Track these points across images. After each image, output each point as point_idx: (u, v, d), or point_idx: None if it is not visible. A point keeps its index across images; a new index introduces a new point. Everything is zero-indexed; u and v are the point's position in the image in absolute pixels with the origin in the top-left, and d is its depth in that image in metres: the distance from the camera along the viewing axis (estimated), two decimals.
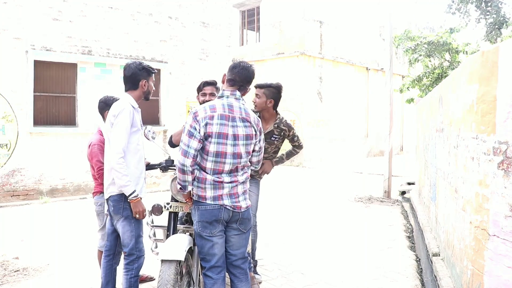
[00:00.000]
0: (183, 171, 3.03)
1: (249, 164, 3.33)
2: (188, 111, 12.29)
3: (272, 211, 8.43)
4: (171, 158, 4.06)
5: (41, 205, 9.03)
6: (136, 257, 3.55)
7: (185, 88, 12.26)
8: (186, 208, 3.58)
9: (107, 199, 3.57)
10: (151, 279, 4.69)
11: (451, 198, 4.73)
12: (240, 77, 3.24)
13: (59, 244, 6.11)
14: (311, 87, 18.63)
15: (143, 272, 4.76)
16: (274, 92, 4.43)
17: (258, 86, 4.42)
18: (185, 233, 3.57)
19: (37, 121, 9.70)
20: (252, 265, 4.43)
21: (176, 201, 3.67)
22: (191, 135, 3.03)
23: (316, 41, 18.82)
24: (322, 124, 19.12)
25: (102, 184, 3.94)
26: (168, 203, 3.68)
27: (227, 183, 3.12)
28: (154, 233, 3.88)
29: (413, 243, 6.49)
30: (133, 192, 3.39)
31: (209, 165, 3.09)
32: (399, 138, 24.65)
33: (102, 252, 3.93)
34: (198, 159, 3.10)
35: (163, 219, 4.06)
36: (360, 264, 5.37)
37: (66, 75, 10.16)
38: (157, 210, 3.69)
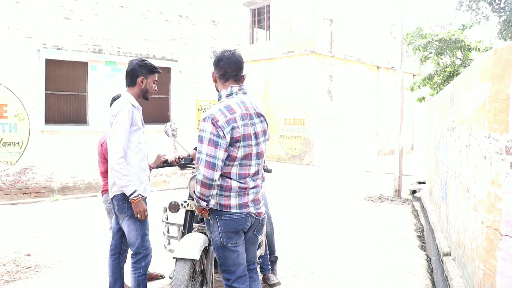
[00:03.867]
0: (210, 186, 2.76)
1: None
2: (198, 110, 12.32)
3: (281, 210, 8.42)
4: (190, 156, 4.03)
5: (52, 202, 9.11)
6: (143, 255, 3.55)
7: (195, 86, 12.28)
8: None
9: (112, 198, 3.58)
10: (161, 276, 4.71)
11: (462, 198, 4.69)
12: (231, 66, 3.01)
13: (71, 242, 6.16)
14: (321, 86, 18.57)
15: (153, 269, 4.79)
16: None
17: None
18: (200, 232, 3.56)
19: (49, 120, 9.77)
20: (269, 266, 4.40)
21: (193, 199, 3.63)
22: (216, 144, 2.75)
23: (327, 40, 18.75)
24: (332, 122, 19.05)
25: None
26: (185, 201, 3.68)
27: (251, 188, 2.96)
28: (168, 229, 3.90)
29: (423, 243, 6.46)
30: (134, 192, 3.39)
31: (234, 170, 2.88)
32: (410, 137, 24.49)
33: None
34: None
35: (177, 217, 4.06)
36: (370, 264, 5.34)
37: (77, 73, 10.22)
38: (173, 207, 3.69)
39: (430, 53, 11.86)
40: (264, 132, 3.07)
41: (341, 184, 12.31)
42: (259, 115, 3.05)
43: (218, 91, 3.09)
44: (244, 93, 3.05)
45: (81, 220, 7.49)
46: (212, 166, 2.74)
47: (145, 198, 3.61)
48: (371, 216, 8.07)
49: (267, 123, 3.14)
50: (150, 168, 4.18)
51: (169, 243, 3.85)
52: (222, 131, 2.78)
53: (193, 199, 3.63)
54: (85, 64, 10.25)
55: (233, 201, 2.89)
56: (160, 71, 3.77)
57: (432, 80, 12.94)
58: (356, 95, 20.39)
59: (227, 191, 2.88)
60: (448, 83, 10.53)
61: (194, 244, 3.14)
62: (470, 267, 4.04)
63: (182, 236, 3.67)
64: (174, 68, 11.81)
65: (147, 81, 3.63)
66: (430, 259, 5.71)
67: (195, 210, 3.57)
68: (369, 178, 13.63)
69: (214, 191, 2.83)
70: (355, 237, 6.56)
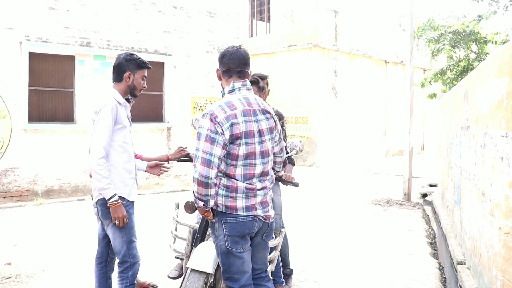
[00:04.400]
0: (206, 184, 2.79)
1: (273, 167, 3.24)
2: (194, 107, 12.28)
3: (284, 215, 8.38)
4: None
5: (36, 207, 9.07)
6: (130, 264, 3.53)
7: (190, 82, 12.24)
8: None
9: (96, 203, 3.55)
10: (153, 286, 4.65)
11: (477, 202, 4.68)
12: (234, 62, 3.05)
13: (55, 249, 6.11)
14: (325, 82, 18.54)
15: (145, 279, 4.74)
16: (268, 82, 4.77)
17: (262, 78, 4.66)
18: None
19: (32, 118, 9.73)
20: (282, 279, 4.37)
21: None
22: (213, 140, 2.79)
23: (331, 32, 18.73)
24: (337, 121, 19.03)
25: None
26: None
27: (259, 190, 2.97)
28: (176, 227, 3.91)
29: (435, 250, 6.45)
30: (113, 196, 3.35)
31: (238, 170, 2.90)
32: (420, 136, 24.48)
33: None
34: (222, 167, 2.90)
35: (188, 216, 4.03)
36: (378, 272, 5.32)
37: (63, 68, 10.18)
38: (190, 207, 3.69)
39: (444, 45, 11.80)
40: (271, 129, 3.07)
41: (346, 187, 12.29)
42: (264, 111, 3.05)
43: (222, 88, 3.15)
44: (248, 89, 3.07)
45: (67, 226, 7.44)
46: (207, 163, 2.76)
47: (132, 202, 3.59)
48: (379, 221, 8.05)
49: (275, 121, 3.14)
50: (167, 159, 4.25)
51: (174, 242, 3.87)
52: (221, 127, 2.81)
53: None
54: (72, 58, 10.21)
55: (240, 203, 2.90)
56: (150, 66, 3.73)
57: (444, 75, 12.90)
58: (362, 91, 20.37)
59: (233, 191, 2.90)
60: (462, 78, 10.48)
61: (210, 256, 3.13)
62: (487, 277, 4.02)
63: (192, 240, 3.70)
64: (168, 63, 11.77)
65: (134, 76, 3.59)
66: (443, 267, 5.69)
67: None
68: (377, 181, 13.62)
69: (212, 191, 2.84)
70: (361, 244, 6.53)
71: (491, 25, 13.23)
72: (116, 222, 3.41)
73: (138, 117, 10.09)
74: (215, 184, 2.85)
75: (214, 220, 2.98)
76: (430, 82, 13.42)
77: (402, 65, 21.92)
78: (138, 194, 3.79)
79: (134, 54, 3.63)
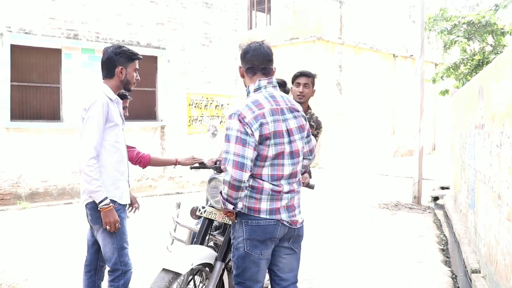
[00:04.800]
0: (238, 188, 2.83)
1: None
2: (189, 105, 12.26)
3: None
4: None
5: (19, 211, 9.03)
6: (121, 272, 3.51)
7: (185, 78, 12.22)
8: (219, 216, 3.57)
9: (85, 206, 3.52)
10: None
11: (493, 206, 4.68)
12: (258, 59, 3.08)
13: (40, 257, 6.07)
14: (329, 77, 18.52)
15: None
16: (315, 81, 4.70)
17: (305, 75, 4.63)
18: (215, 244, 3.63)
19: (15, 115, 9.70)
20: None
21: (212, 206, 3.68)
22: (244, 142, 2.82)
23: (336, 24, 18.70)
24: (342, 119, 19.01)
25: None
26: (203, 207, 3.71)
27: (286, 193, 2.99)
28: (175, 228, 3.92)
29: (448, 257, 6.44)
30: (104, 199, 3.33)
31: (265, 170, 2.94)
32: (431, 135, 24.47)
33: None
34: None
35: (188, 217, 4.04)
36: (385, 281, 5.30)
37: (49, 62, 10.15)
38: (195, 213, 3.70)
39: (458, 36, 11.76)
40: (301, 128, 3.09)
41: (352, 190, 12.28)
42: (292, 109, 3.08)
43: (246, 87, 3.17)
44: (274, 87, 3.11)
45: (53, 232, 7.41)
46: (240, 166, 2.80)
47: (124, 205, 3.57)
48: (387, 226, 8.03)
49: (305, 118, 3.17)
50: (176, 163, 4.27)
51: (172, 243, 3.88)
52: (250, 128, 2.85)
53: (211, 205, 3.68)
54: (58, 52, 10.18)
55: (264, 205, 2.94)
56: (141, 56, 3.70)
57: (458, 70, 12.87)
58: (369, 87, 20.35)
59: (258, 193, 2.93)
60: (477, 73, 10.46)
61: (188, 257, 3.17)
62: (504, 287, 3.99)
63: (191, 243, 3.75)
64: (161, 57, 11.74)
65: (127, 70, 3.56)
66: (456, 276, 5.67)
67: (214, 218, 3.63)
68: (384, 183, 13.61)
69: (243, 193, 2.89)
70: (368, 251, 6.51)
71: (509, 15, 13.16)
72: (108, 227, 3.38)
73: (130, 115, 9.92)
74: (246, 187, 2.89)
75: (235, 221, 3.02)
76: (442, 77, 13.40)
77: (412, 59, 21.89)
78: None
79: (123, 46, 3.59)
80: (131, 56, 3.59)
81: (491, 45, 12.47)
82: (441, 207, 10.16)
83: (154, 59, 11.71)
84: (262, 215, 2.93)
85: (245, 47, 3.16)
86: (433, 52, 22.94)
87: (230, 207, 2.90)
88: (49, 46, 10.00)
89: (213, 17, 12.77)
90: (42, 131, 9.90)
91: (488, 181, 5.01)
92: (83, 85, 10.26)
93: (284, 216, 2.97)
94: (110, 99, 3.48)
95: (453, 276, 5.63)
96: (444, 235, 7.66)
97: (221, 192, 2.94)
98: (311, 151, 3.25)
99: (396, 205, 9.83)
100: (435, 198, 11.16)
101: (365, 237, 7.31)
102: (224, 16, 13.04)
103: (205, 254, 3.29)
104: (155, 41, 11.63)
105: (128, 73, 3.58)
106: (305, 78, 4.58)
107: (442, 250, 6.72)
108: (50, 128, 9.99)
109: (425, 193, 11.14)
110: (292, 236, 3.07)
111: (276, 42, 19.14)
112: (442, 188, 12.02)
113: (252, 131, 2.84)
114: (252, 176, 2.93)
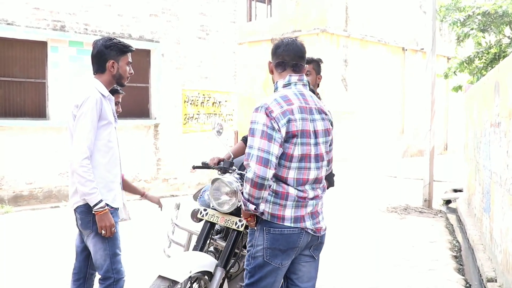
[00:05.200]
0: (261, 186, 2.82)
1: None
2: (185, 101, 12.25)
3: None
4: (232, 159, 4.05)
5: (1, 215, 9.00)
6: (113, 280, 3.48)
7: (181, 73, 12.20)
8: (221, 220, 3.58)
9: (74, 210, 3.50)
10: None
11: (510, 209, 4.66)
12: (289, 54, 3.11)
13: (24, 264, 6.05)
14: (334, 72, 18.51)
15: None
16: (320, 67, 4.74)
17: (307, 61, 4.67)
18: (215, 249, 3.64)
19: None
20: None
21: (214, 209, 3.69)
22: (270, 137, 2.84)
23: (341, 16, 18.69)
24: (347, 117, 19.00)
25: None
26: (205, 209, 3.73)
27: (311, 199, 3.01)
28: (174, 231, 3.92)
29: (461, 265, 6.43)
30: (99, 202, 3.31)
31: (291, 173, 2.94)
32: (443, 134, 24.47)
33: None
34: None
35: (188, 220, 4.04)
36: None
37: (34, 55, 10.14)
38: (196, 215, 3.70)
39: (472, 29, 11.72)
40: (326, 132, 3.13)
41: (359, 192, 12.27)
42: (320, 111, 3.11)
43: (274, 83, 3.19)
44: (304, 85, 3.14)
45: (38, 237, 7.39)
46: (265, 162, 2.80)
47: (116, 209, 3.55)
48: (395, 232, 8.03)
49: (331, 123, 3.21)
50: (142, 195, 4.37)
51: (169, 246, 3.88)
52: (277, 123, 2.86)
53: (213, 208, 3.69)
54: (43, 44, 10.16)
55: (288, 212, 2.94)
56: (133, 48, 3.68)
57: (472, 64, 12.83)
58: (376, 83, 20.34)
59: (283, 198, 2.94)
60: (492, 67, 10.43)
61: (186, 264, 3.18)
62: None
63: (190, 246, 3.80)
64: (154, 51, 11.73)
65: (119, 64, 3.54)
66: (470, 285, 5.66)
67: (216, 222, 3.64)
68: (393, 185, 13.61)
69: (266, 193, 2.88)
70: (375, 257, 6.50)
71: None
72: (103, 232, 3.36)
73: (121, 112, 10.00)
74: (269, 186, 2.89)
75: (255, 228, 3.02)
76: (455, 72, 13.37)
77: (422, 53, 21.88)
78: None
79: (113, 38, 3.56)
80: (122, 49, 3.56)
81: (508, 37, 12.43)
82: (454, 211, 10.16)
83: (147, 52, 11.69)
84: (286, 223, 2.92)
85: (277, 42, 3.21)
86: (445, 45, 22.92)
87: (252, 207, 2.89)
88: (33, 39, 9.98)
89: (210, 8, 12.75)
90: (27, 130, 9.88)
91: (504, 183, 5.00)
92: (70, 81, 10.24)
93: (308, 223, 2.98)
94: (102, 95, 3.46)
95: (467, 285, 5.62)
96: (457, 241, 7.64)
97: (242, 193, 2.94)
98: (329, 162, 3.26)
99: (406, 209, 9.82)
100: (447, 202, 11.15)
101: (372, 243, 7.29)
102: (222, 7, 13.03)
103: (204, 261, 3.30)
104: (148, 34, 11.61)
105: (121, 67, 3.56)
106: (306, 65, 4.60)
107: (455, 257, 6.71)
108: (35, 127, 9.97)
109: (436, 196, 11.13)
110: (314, 244, 3.10)
111: (277, 34, 19.10)
112: (455, 190, 12.02)
113: (279, 126, 2.85)
114: (277, 179, 2.94)
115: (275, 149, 2.83)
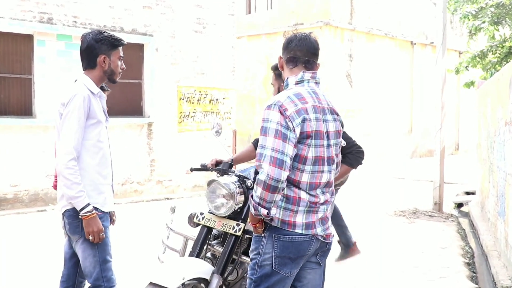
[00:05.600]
0: (274, 189, 2.80)
1: None
2: (180, 99, 12.22)
3: None
4: (231, 161, 4.08)
5: None
6: None
7: (176, 68, 12.19)
8: (219, 224, 3.59)
9: (62, 214, 3.48)
10: None
11: None
12: (302, 50, 3.11)
13: (8, 272, 6.03)
14: (338, 68, 18.50)
15: None
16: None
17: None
18: (212, 255, 3.67)
19: None
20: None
21: (211, 213, 3.70)
22: (284, 137, 2.81)
23: (345, 8, 18.69)
24: (353, 115, 19.00)
25: None
26: (201, 213, 3.74)
27: (322, 204, 3.01)
28: (168, 236, 3.93)
29: (474, 272, 6.43)
30: (86, 206, 3.30)
31: (305, 177, 2.93)
32: (454, 133, 24.47)
33: None
34: None
35: (183, 224, 4.04)
36: None
37: (19, 50, 10.13)
38: (192, 220, 3.70)
39: (483, 22, 11.71)
40: (338, 133, 3.13)
41: (365, 195, 12.27)
42: (332, 111, 3.12)
43: (284, 79, 3.20)
44: (317, 83, 3.14)
45: (24, 243, 7.38)
46: (279, 163, 2.78)
47: (107, 213, 3.54)
48: (404, 236, 8.03)
49: (342, 124, 3.20)
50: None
51: (164, 252, 3.89)
52: (292, 122, 2.85)
53: (210, 212, 3.70)
54: (29, 38, 10.15)
55: (300, 218, 2.92)
56: (125, 42, 3.66)
57: (485, 59, 12.82)
58: (383, 79, 20.34)
59: (294, 204, 2.93)
60: (507, 62, 10.44)
61: (179, 270, 3.19)
62: None
63: (185, 252, 3.82)
64: (148, 45, 11.72)
65: (110, 59, 3.54)
66: None
67: (213, 226, 3.65)
68: (401, 187, 13.60)
69: (278, 196, 2.86)
70: (383, 264, 6.49)
71: None
72: (91, 238, 3.36)
73: (112, 110, 9.93)
74: (283, 189, 2.86)
75: (262, 234, 3.00)
76: (466, 67, 13.37)
77: (432, 47, 21.88)
78: (114, 204, 3.75)
79: (104, 31, 3.55)
80: (114, 43, 3.55)
81: None
82: (466, 215, 10.15)
83: (140, 47, 11.67)
84: (298, 230, 2.91)
85: (289, 36, 3.21)
86: (456, 39, 22.93)
87: (264, 212, 2.86)
88: (19, 32, 9.96)
89: (207, 0, 12.73)
90: (11, 128, 9.86)
91: None
92: (58, 76, 10.21)
93: (319, 230, 2.98)
94: (92, 92, 3.45)
95: None
96: (470, 247, 7.64)
97: (252, 196, 2.90)
98: (337, 164, 3.24)
99: (414, 213, 9.80)
100: (459, 205, 11.15)
101: (379, 248, 7.28)
102: None
103: (199, 267, 3.29)
104: (141, 27, 11.59)
105: (112, 62, 3.55)
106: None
107: (468, 264, 6.70)
108: (21, 125, 9.95)
109: (447, 199, 11.10)
110: (322, 250, 3.10)
111: (278, 28, 19.11)
112: (467, 193, 12.01)
113: (293, 126, 2.84)
114: (288, 183, 2.91)
115: (290, 150, 2.81)
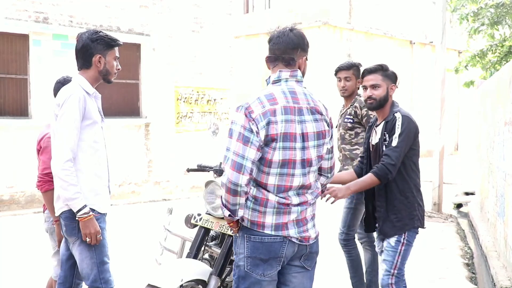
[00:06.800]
0: (234, 192, 2.79)
1: (319, 177, 3.15)
2: (178, 99, 12.23)
3: None
4: None
5: None
6: None
7: (173, 68, 12.18)
8: (216, 225, 3.59)
9: (59, 216, 3.49)
10: None
11: None
12: (280, 48, 3.03)
13: (5, 274, 6.04)
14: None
15: None
16: (359, 71, 5.01)
17: (344, 68, 5.11)
18: (210, 256, 3.68)
19: None
20: None
21: (209, 214, 3.72)
22: (246, 140, 2.78)
23: (344, 7, 18.70)
24: None
25: None
26: (199, 214, 3.76)
27: (295, 205, 2.93)
28: (166, 238, 3.98)
29: (473, 273, 6.43)
30: (83, 208, 3.30)
31: (271, 180, 2.88)
32: (453, 133, 24.48)
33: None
34: (253, 173, 2.87)
35: (181, 225, 4.05)
36: None
37: (14, 49, 10.13)
38: (190, 221, 3.71)
39: (482, 24, 11.70)
40: (320, 134, 3.00)
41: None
42: (314, 111, 3.00)
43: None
44: (298, 81, 3.04)
45: (20, 245, 7.38)
46: (238, 167, 2.76)
47: (104, 214, 3.55)
48: None
49: (328, 124, 3.08)
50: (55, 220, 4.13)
51: (161, 254, 3.90)
52: (256, 125, 2.80)
53: (208, 213, 3.73)
54: (25, 37, 10.15)
55: (269, 219, 2.89)
56: (121, 42, 3.67)
57: (485, 58, 12.81)
58: None
59: (262, 205, 2.89)
60: (507, 61, 10.44)
61: (177, 272, 3.20)
62: None
63: (183, 253, 3.83)
64: (145, 45, 11.72)
65: (106, 59, 3.53)
66: None
67: (211, 227, 3.65)
68: None
69: (242, 200, 2.84)
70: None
71: None
72: (88, 239, 3.36)
73: (109, 110, 10.02)
74: (246, 193, 2.84)
75: (237, 234, 3.00)
76: (466, 67, 13.35)
77: (431, 46, 21.88)
78: (111, 205, 3.75)
79: (100, 31, 3.55)
80: (109, 43, 3.55)
81: None
82: (465, 215, 10.15)
83: (137, 47, 11.68)
84: (267, 231, 2.88)
85: (271, 34, 3.16)
86: (456, 38, 22.91)
87: (227, 213, 2.88)
88: (14, 31, 9.96)
89: None
90: (7, 129, 9.86)
91: None
92: (54, 76, 10.12)
93: (292, 232, 2.91)
94: (87, 93, 3.45)
95: None
96: (469, 248, 7.65)
97: (221, 197, 2.91)
98: (331, 168, 3.20)
99: None
100: (458, 205, 11.15)
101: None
102: None
103: (197, 269, 3.30)
104: (138, 27, 11.59)
105: (108, 62, 3.55)
106: (345, 71, 5.04)
107: (467, 264, 6.71)
108: (17, 126, 9.96)
109: (446, 199, 11.11)
110: (304, 254, 3.01)
111: (275, 27, 19.09)
112: (467, 193, 12.00)
113: (257, 128, 2.80)
114: (257, 185, 2.90)
115: (251, 153, 2.77)
